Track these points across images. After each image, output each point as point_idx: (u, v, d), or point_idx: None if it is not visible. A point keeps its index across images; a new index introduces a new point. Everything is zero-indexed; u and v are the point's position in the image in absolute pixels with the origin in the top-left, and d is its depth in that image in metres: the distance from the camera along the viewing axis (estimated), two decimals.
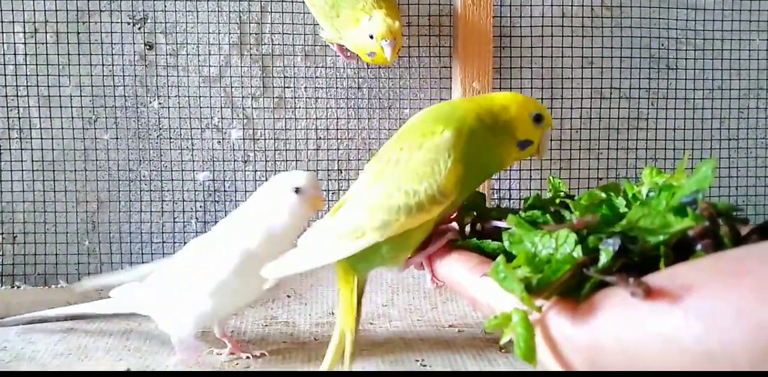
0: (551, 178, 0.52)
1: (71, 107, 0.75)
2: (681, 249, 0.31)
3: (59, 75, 0.74)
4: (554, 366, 0.31)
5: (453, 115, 0.48)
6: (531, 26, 0.78)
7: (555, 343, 0.30)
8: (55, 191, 0.75)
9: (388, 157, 0.48)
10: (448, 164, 0.45)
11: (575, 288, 0.30)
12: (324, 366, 0.51)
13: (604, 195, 0.40)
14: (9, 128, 0.74)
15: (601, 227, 0.34)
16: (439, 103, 0.52)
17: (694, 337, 0.25)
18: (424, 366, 0.58)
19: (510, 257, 0.34)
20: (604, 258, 0.30)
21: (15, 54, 0.74)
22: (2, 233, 0.75)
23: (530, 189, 0.79)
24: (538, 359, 0.31)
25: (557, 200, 0.46)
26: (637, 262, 0.31)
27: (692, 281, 0.26)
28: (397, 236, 0.46)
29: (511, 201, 0.80)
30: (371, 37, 0.64)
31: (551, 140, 0.79)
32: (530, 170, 0.79)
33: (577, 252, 0.31)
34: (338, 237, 0.47)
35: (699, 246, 0.31)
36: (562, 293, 0.31)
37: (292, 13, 0.76)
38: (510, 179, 0.80)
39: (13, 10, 0.73)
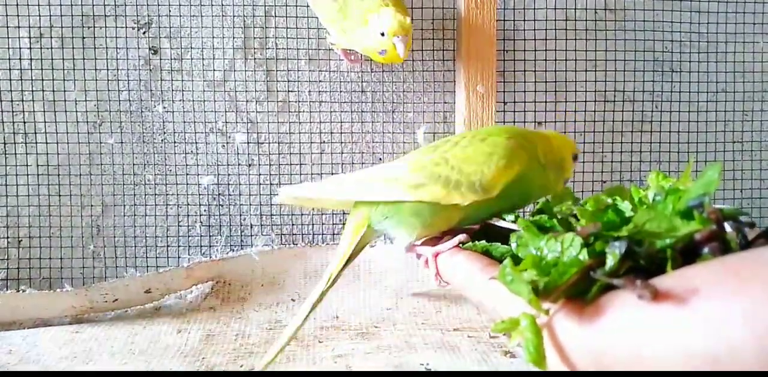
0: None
1: (76, 111, 0.75)
2: (688, 253, 0.31)
3: (64, 80, 0.75)
4: (560, 368, 0.31)
5: (525, 135, 0.51)
6: (535, 30, 0.78)
7: (562, 346, 0.30)
8: (60, 196, 0.76)
9: (448, 139, 0.50)
10: (501, 164, 0.46)
11: (582, 291, 0.30)
12: (306, 304, 0.52)
13: (609, 200, 0.40)
14: (14, 133, 0.75)
15: (606, 232, 0.34)
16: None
17: (701, 340, 0.24)
18: (429, 369, 0.58)
19: (517, 261, 0.34)
20: (610, 261, 0.30)
21: (20, 59, 0.74)
22: (8, 238, 0.75)
23: None
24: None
25: (564, 208, 0.46)
26: (644, 266, 0.31)
27: (699, 284, 0.26)
28: (423, 206, 0.47)
29: None
30: (382, 34, 0.63)
31: None
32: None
33: (583, 255, 0.31)
34: (372, 181, 0.49)
35: (706, 250, 0.31)
36: (569, 296, 0.31)
37: (296, 17, 0.76)
38: None
39: (18, 15, 0.74)
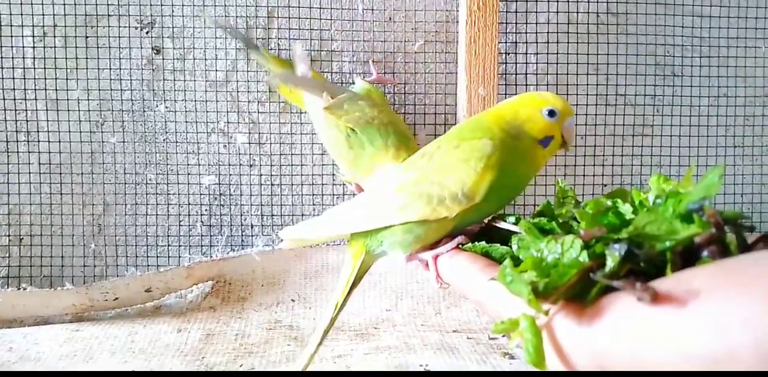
0: (559, 181, 0.52)
1: (78, 110, 0.75)
2: (688, 256, 0.31)
3: (67, 79, 0.75)
4: (560, 370, 0.31)
5: (484, 126, 0.49)
6: (536, 33, 0.78)
7: (561, 347, 0.30)
8: (61, 194, 0.76)
9: (424, 152, 0.50)
10: (479, 168, 0.46)
11: (582, 293, 0.30)
12: (318, 331, 0.52)
13: (609, 203, 0.40)
14: (17, 131, 0.75)
15: (607, 234, 0.34)
16: (472, 116, 0.56)
17: (700, 343, 0.24)
18: (428, 370, 0.58)
19: (517, 262, 0.34)
20: (610, 263, 0.30)
21: (23, 57, 0.74)
22: (9, 236, 0.76)
23: (535, 195, 0.80)
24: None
25: (564, 210, 0.46)
26: (644, 268, 0.31)
27: (699, 286, 0.26)
28: (413, 224, 0.47)
29: (516, 207, 0.80)
30: None
31: None
32: (535, 176, 0.79)
33: (583, 257, 0.31)
34: (360, 211, 0.50)
35: (705, 253, 0.31)
36: (569, 297, 0.31)
37: (299, 18, 0.76)
38: None
39: (22, 14, 0.74)
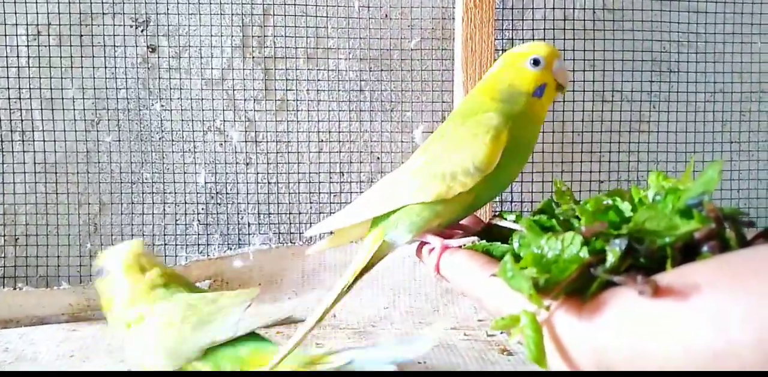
0: (557, 181, 0.52)
1: (74, 109, 0.75)
2: (688, 251, 0.31)
3: (62, 77, 0.75)
4: (560, 366, 0.31)
5: (479, 101, 0.49)
6: (533, 29, 0.78)
7: (561, 342, 0.30)
8: (57, 194, 0.75)
9: (433, 138, 0.50)
10: (487, 140, 0.46)
11: (582, 289, 0.30)
12: (324, 303, 0.50)
13: (609, 201, 0.40)
14: (11, 130, 0.75)
15: (607, 231, 0.33)
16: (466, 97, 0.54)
17: (701, 337, 0.24)
18: (426, 368, 0.58)
19: (518, 259, 0.34)
20: (611, 258, 0.30)
21: (18, 56, 0.74)
22: (4, 236, 0.75)
23: (532, 192, 0.80)
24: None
25: (565, 208, 0.46)
26: (644, 263, 0.31)
27: (700, 281, 0.26)
28: (431, 205, 0.47)
29: (513, 204, 0.80)
30: None
31: (554, 143, 0.79)
32: (532, 172, 0.79)
33: (584, 253, 0.31)
34: (379, 197, 0.49)
35: (705, 248, 0.31)
36: (570, 293, 0.31)
37: (295, 16, 0.76)
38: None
39: (16, 13, 0.73)
